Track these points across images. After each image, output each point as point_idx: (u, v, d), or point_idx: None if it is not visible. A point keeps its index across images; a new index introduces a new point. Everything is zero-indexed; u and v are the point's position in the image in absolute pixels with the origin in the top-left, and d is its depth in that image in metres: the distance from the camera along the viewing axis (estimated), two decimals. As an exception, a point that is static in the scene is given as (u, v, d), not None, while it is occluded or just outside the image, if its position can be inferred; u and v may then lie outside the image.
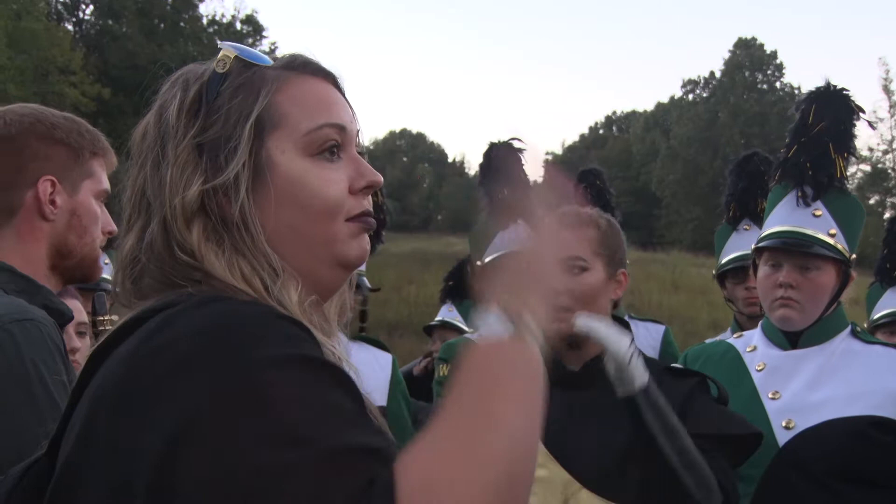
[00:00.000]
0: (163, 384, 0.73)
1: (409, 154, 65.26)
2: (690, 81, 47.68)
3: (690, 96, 47.67)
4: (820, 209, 2.10)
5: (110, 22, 30.86)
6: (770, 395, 2.01)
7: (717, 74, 46.11)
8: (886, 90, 33.12)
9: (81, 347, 2.20)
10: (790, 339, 2.08)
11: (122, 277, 0.91)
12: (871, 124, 2.32)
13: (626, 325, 1.83)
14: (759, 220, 3.22)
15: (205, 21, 32.21)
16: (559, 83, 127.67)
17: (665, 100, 53.30)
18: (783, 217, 2.13)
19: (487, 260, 3.21)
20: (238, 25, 32.21)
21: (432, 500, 0.67)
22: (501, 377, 0.77)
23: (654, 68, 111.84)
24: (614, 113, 61.11)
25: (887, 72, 33.17)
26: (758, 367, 2.08)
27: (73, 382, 1.38)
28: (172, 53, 28.04)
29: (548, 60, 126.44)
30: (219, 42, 0.98)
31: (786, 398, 1.99)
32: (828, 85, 2.23)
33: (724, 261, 3.34)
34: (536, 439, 0.78)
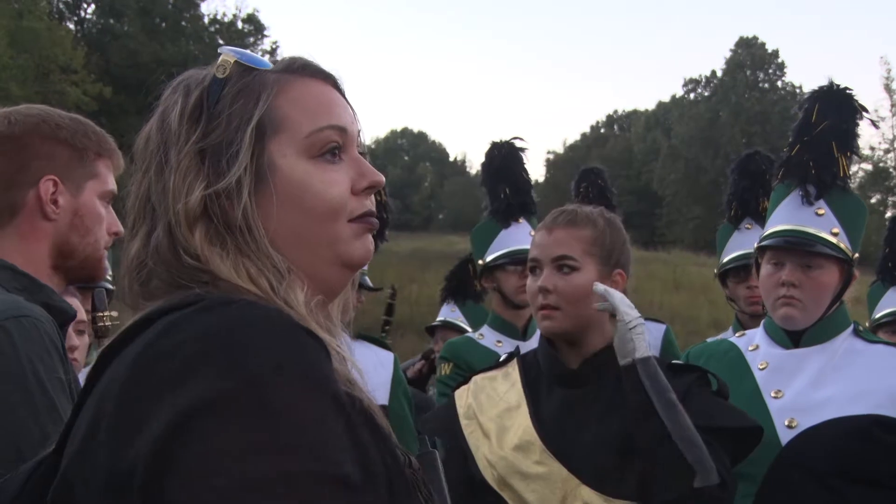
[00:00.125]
0: (164, 388, 0.73)
1: (410, 153, 65.29)
2: (692, 80, 47.67)
3: (692, 95, 47.65)
4: (823, 208, 2.10)
5: (112, 21, 30.86)
6: (772, 394, 2.01)
7: (719, 73, 46.09)
8: (888, 89, 33.12)
9: (80, 345, 2.21)
10: (792, 338, 2.08)
11: (129, 281, 0.91)
12: (874, 123, 2.32)
13: None
14: (760, 219, 3.23)
15: (206, 20, 32.20)
16: (560, 82, 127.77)
17: (666, 99, 53.36)
18: (786, 216, 2.13)
19: (489, 259, 3.22)
20: (239, 25, 32.21)
21: None
22: None
23: (655, 67, 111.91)
24: (616, 112, 61.12)
25: (889, 71, 33.17)
26: (760, 366, 2.08)
27: (71, 380, 1.38)
28: (174, 52, 28.06)
29: (549, 59, 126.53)
30: (219, 47, 0.99)
31: (788, 397, 1.99)
32: (831, 84, 2.23)
33: (725, 260, 3.34)
34: None
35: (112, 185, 1.58)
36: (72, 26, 29.80)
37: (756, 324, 2.45)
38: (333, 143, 0.94)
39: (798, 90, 43.86)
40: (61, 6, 30.78)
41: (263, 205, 0.90)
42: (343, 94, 1.00)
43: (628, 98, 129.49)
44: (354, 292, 1.06)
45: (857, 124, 2.20)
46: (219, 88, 0.92)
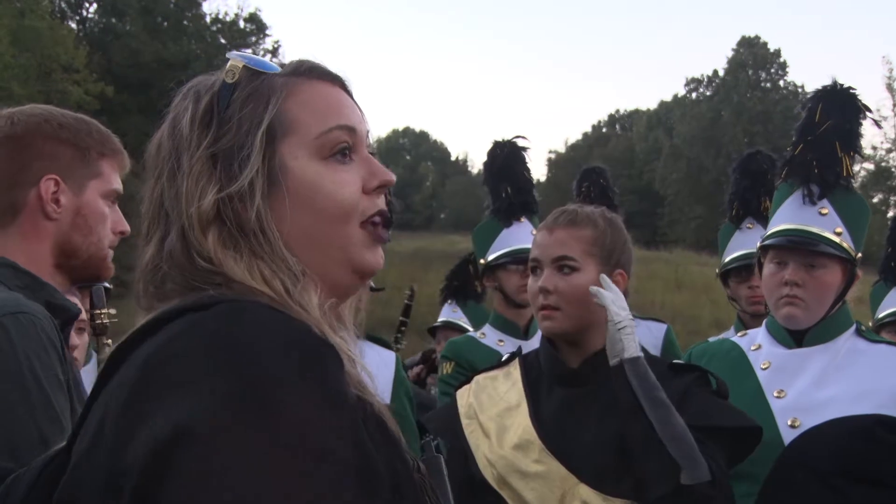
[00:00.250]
0: (169, 392, 0.73)
1: (412, 152, 65.30)
2: (694, 80, 47.63)
3: (694, 95, 47.61)
4: (826, 208, 2.10)
5: (114, 20, 30.88)
6: (775, 394, 2.01)
7: (721, 73, 46.03)
8: (890, 88, 33.02)
9: (80, 344, 2.21)
10: (795, 338, 2.08)
11: (144, 285, 0.92)
12: (877, 123, 2.32)
13: None
14: (762, 219, 3.22)
15: (208, 19, 32.21)
16: (562, 82, 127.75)
17: (668, 98, 53.33)
18: (789, 215, 2.13)
19: (491, 258, 3.22)
20: (241, 24, 32.21)
21: None
22: None
23: (657, 67, 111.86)
24: (617, 111, 61.06)
25: (891, 70, 33.04)
26: (763, 366, 2.08)
27: (70, 379, 1.38)
28: (176, 52, 28.06)
29: (550, 59, 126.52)
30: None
31: (791, 397, 1.99)
32: (835, 84, 2.23)
33: (727, 259, 3.34)
34: None
35: (116, 184, 1.58)
36: (74, 25, 29.83)
37: (758, 323, 2.45)
38: (343, 144, 0.95)
39: (800, 90, 43.85)
40: (63, 5, 30.80)
41: (276, 207, 0.91)
42: (351, 96, 1.01)
43: (630, 97, 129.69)
44: (364, 293, 1.07)
45: (861, 124, 2.20)
46: (228, 93, 0.93)
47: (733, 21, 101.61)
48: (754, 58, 45.11)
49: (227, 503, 0.68)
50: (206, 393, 0.72)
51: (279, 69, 0.97)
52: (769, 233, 2.17)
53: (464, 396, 1.95)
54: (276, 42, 33.09)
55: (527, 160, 3.36)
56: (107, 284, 2.47)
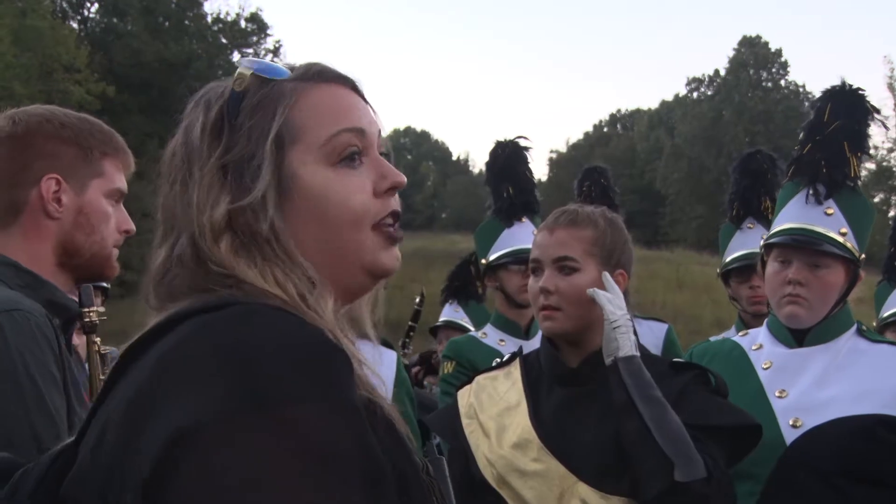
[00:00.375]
0: (178, 392, 0.73)
1: (413, 152, 65.27)
2: (695, 79, 47.63)
3: (695, 94, 47.60)
4: (832, 208, 2.10)
5: (115, 20, 30.90)
6: (777, 394, 2.01)
7: (722, 72, 46.01)
8: (891, 88, 32.98)
9: (80, 343, 2.21)
10: (796, 337, 2.08)
11: (154, 287, 0.92)
12: (884, 125, 2.32)
13: None
14: (762, 219, 3.22)
15: (209, 19, 32.21)
16: (563, 81, 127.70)
17: (669, 98, 53.32)
18: (794, 214, 2.13)
19: (492, 258, 3.22)
20: (242, 24, 32.22)
21: None
22: None
23: (658, 66, 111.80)
24: (619, 111, 60.98)
25: (892, 70, 33.01)
26: (764, 366, 2.08)
27: (67, 377, 1.38)
28: (177, 52, 28.08)
29: (552, 58, 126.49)
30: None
31: (793, 396, 1.99)
32: (843, 84, 2.23)
33: (728, 259, 3.33)
34: None
35: (120, 183, 1.58)
36: (75, 25, 29.88)
37: (759, 323, 2.44)
38: (352, 147, 0.94)
39: (801, 89, 43.86)
40: (65, 5, 30.84)
41: (288, 216, 0.91)
42: (362, 97, 1.00)
43: (631, 97, 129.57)
44: (381, 292, 1.07)
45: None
46: (237, 102, 0.92)
47: (734, 21, 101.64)
48: (755, 57, 45.08)
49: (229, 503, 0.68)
50: (212, 394, 0.72)
51: (288, 73, 0.96)
52: (773, 231, 2.16)
53: (464, 396, 1.96)
54: (278, 42, 33.16)
55: (528, 160, 3.36)
56: (104, 284, 2.46)
